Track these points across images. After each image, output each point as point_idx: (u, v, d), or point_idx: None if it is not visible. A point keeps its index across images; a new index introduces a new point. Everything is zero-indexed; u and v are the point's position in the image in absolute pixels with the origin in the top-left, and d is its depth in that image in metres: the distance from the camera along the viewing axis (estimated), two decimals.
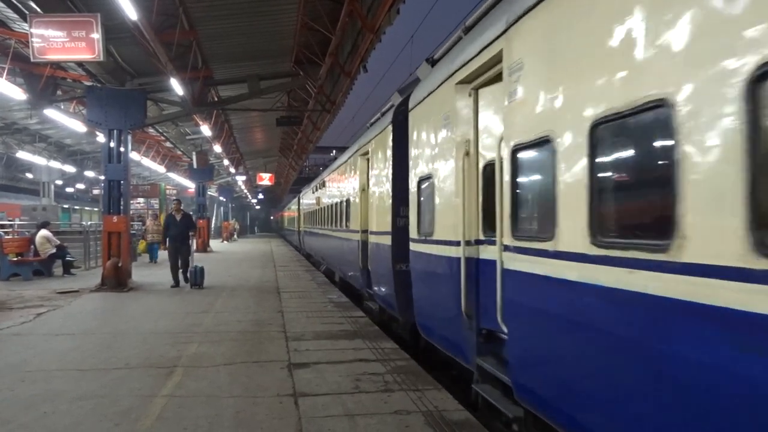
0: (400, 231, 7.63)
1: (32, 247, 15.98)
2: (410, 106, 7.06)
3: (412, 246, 6.84)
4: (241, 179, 41.36)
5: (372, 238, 9.50)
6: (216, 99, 17.33)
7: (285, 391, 5.31)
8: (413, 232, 6.79)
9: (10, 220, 23.95)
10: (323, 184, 18.22)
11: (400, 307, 7.79)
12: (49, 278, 15.43)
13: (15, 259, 15.54)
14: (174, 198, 19.53)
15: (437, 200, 5.90)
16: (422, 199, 6.50)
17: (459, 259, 5.14)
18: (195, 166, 29.22)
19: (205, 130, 20.28)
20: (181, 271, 13.51)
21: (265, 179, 42.19)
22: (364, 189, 10.41)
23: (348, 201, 12.25)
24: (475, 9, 6.02)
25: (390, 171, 8.06)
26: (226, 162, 31.46)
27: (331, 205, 15.44)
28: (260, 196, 65.55)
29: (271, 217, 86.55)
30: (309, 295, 12.30)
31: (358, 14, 12.14)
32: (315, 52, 14.80)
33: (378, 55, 14.54)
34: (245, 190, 54.34)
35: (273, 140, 31.61)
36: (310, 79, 16.20)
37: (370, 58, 14.23)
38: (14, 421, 4.53)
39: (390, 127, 8.11)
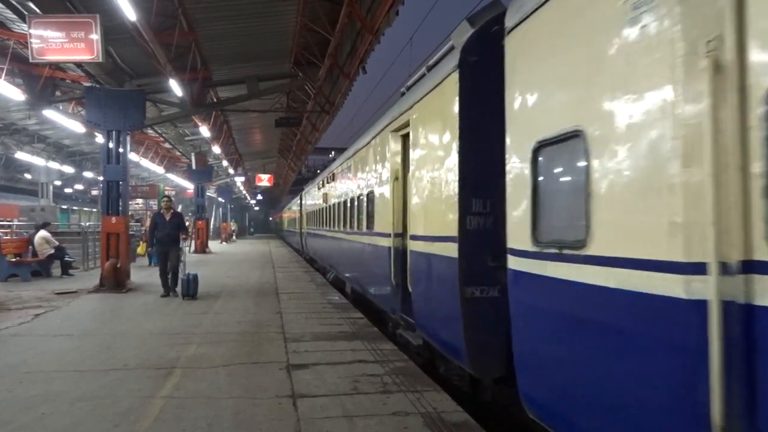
0: (474, 236, 5.16)
1: (31, 247, 15.98)
2: (511, 23, 4.27)
3: (518, 263, 4.02)
4: (240, 180, 41.37)
5: (416, 246, 6.67)
6: (215, 100, 17.34)
7: (284, 392, 5.31)
8: (519, 239, 3.99)
9: (8, 221, 23.95)
10: (333, 178, 15.32)
11: (474, 353, 5.14)
12: (47, 279, 15.41)
13: (13, 259, 15.53)
14: (164, 195, 18.18)
15: (605, 174, 3.05)
16: (546, 178, 3.79)
17: (701, 304, 2.43)
18: (194, 166, 29.23)
19: (204, 131, 20.28)
20: (170, 279, 12.03)
21: (264, 180, 42.18)
22: (398, 177, 7.91)
23: (371, 195, 9.63)
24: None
25: (456, 144, 5.34)
26: (225, 163, 31.46)
27: (345, 202, 12.82)
28: (259, 197, 65.57)
29: (270, 218, 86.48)
30: (308, 296, 12.30)
31: (358, 15, 12.15)
32: (314, 54, 14.82)
33: (377, 56, 14.58)
34: (244, 191, 54.35)
35: (272, 141, 31.62)
36: (309, 80, 16.22)
37: (369, 59, 14.24)
38: (14, 422, 4.53)
39: (455, 76, 5.36)
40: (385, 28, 12.07)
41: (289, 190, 53.89)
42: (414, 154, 6.86)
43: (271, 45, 14.56)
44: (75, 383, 5.60)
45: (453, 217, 5.34)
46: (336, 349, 7.11)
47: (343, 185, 13.25)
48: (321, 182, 18.57)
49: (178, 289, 11.86)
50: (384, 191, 8.54)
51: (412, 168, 6.96)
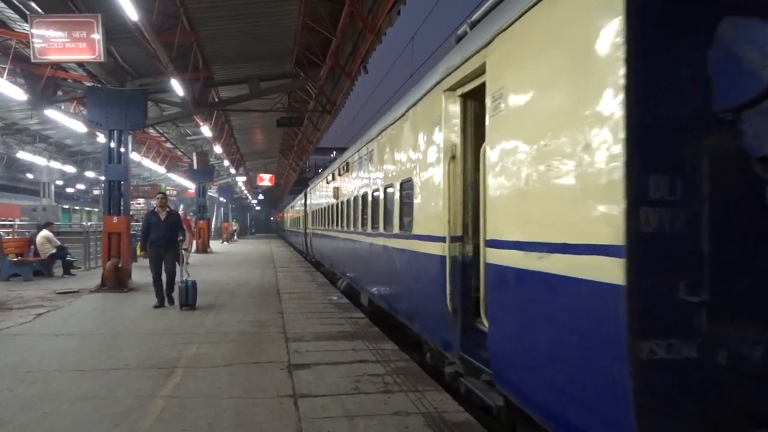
0: (655, 246, 2.76)
1: (32, 247, 16.01)
2: None
3: None
4: (241, 180, 41.39)
5: (503, 258, 4.22)
6: (216, 100, 17.35)
7: (285, 392, 5.31)
8: None
9: (10, 220, 24.01)
10: (347, 168, 12.71)
11: None
12: (49, 278, 15.42)
13: (15, 259, 15.55)
14: (158, 192, 17.22)
15: None
16: None
17: None
18: (195, 166, 29.24)
19: (206, 130, 20.29)
20: (165, 287, 10.65)
21: (266, 180, 42.19)
22: (455, 156, 5.53)
23: (406, 185, 7.22)
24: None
25: (618, 75, 2.83)
26: (226, 163, 31.49)
27: (365, 196, 10.32)
28: (260, 196, 65.66)
29: (272, 218, 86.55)
30: (309, 296, 12.29)
31: (359, 15, 12.15)
32: (315, 53, 14.83)
33: (379, 56, 14.58)
34: (245, 191, 54.42)
35: (273, 141, 31.64)
36: (310, 80, 16.22)
37: (371, 59, 14.26)
38: (14, 422, 4.52)
39: None
40: (387, 28, 12.07)
41: (291, 189, 53.96)
42: (499, 112, 4.35)
43: (272, 45, 14.56)
44: (76, 383, 5.60)
45: (607, 209, 2.96)
46: (337, 348, 7.10)
47: (364, 175, 10.61)
48: (331, 175, 15.54)
49: (175, 296, 10.58)
50: (432, 177, 6.07)
51: (493, 135, 4.45)
